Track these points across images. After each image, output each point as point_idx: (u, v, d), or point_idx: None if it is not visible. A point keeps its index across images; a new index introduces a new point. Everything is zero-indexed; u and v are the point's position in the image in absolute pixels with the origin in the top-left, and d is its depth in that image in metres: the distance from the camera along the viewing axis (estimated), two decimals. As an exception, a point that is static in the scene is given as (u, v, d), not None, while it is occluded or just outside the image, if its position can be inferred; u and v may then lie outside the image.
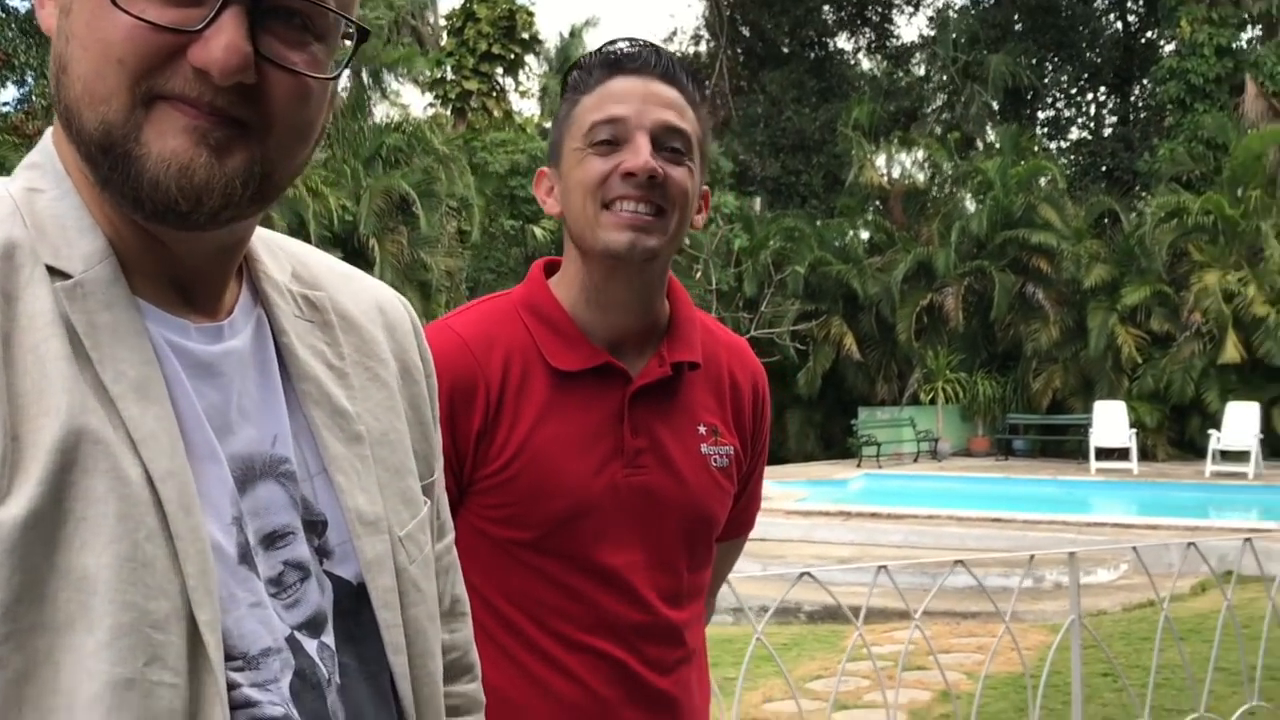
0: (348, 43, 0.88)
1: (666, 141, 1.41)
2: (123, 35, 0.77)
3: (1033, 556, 4.89)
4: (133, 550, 0.75)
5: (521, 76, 25.39)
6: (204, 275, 0.88)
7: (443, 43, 26.35)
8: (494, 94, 24.53)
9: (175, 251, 0.85)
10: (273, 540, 0.86)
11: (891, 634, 7.23)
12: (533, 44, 25.23)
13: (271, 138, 0.81)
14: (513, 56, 24.56)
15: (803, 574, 4.39)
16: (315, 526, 0.90)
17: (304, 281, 0.97)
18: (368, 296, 1.02)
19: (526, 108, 28.69)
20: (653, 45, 1.46)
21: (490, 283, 21.05)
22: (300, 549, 0.88)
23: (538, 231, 20.93)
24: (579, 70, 1.47)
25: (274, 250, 0.97)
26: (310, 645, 0.86)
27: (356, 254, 17.61)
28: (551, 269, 1.54)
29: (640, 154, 1.38)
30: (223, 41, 0.76)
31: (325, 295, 0.97)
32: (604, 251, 1.41)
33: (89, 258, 0.80)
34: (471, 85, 24.00)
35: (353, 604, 0.90)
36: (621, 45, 1.46)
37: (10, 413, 0.74)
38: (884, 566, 4.33)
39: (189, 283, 0.87)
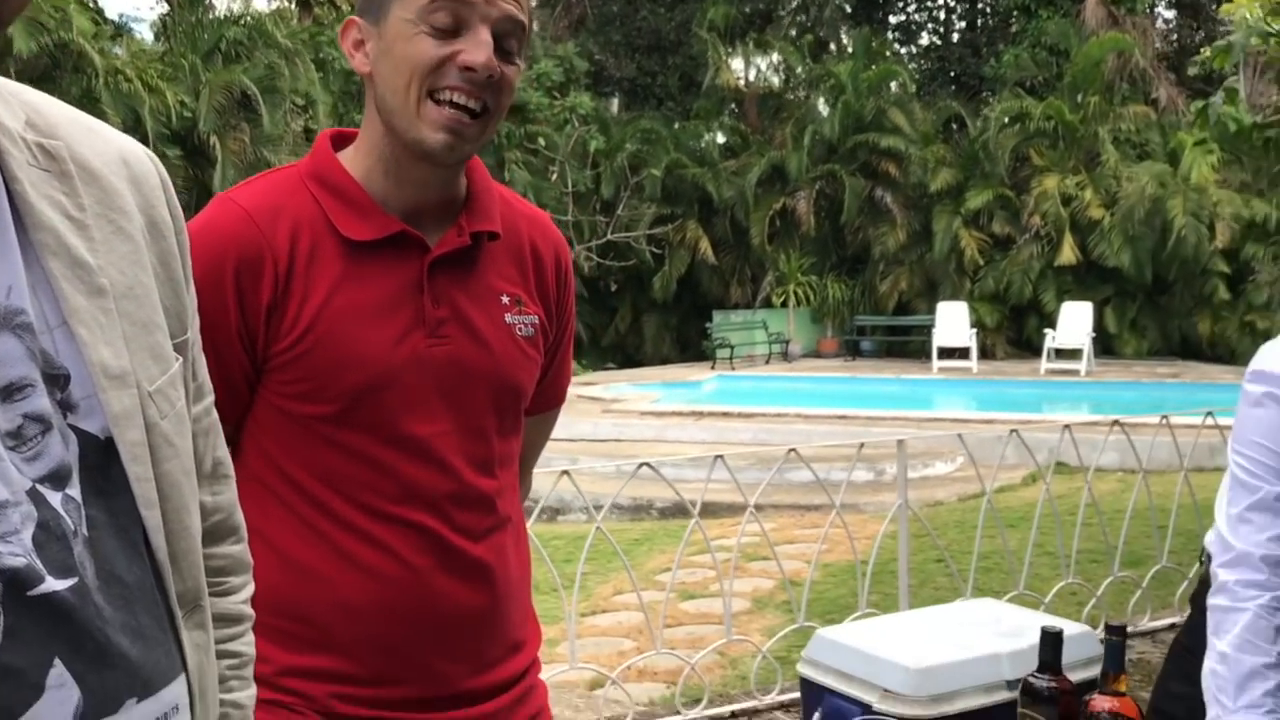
0: None
1: (506, 37, 1.37)
2: None
3: (862, 445, 5.05)
4: None
5: (370, -31, 24.49)
6: None
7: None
8: (340, -13, 23.65)
9: None
10: (9, 393, 0.84)
11: (739, 526, 7.42)
12: (381, -65, 24.33)
13: None
14: (360, -52, 23.67)
15: (641, 464, 4.47)
16: (57, 380, 0.87)
17: (39, 130, 0.92)
18: (112, 148, 0.98)
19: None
20: None
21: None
22: (40, 401, 0.86)
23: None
24: None
25: (5, 97, 0.92)
26: (54, 498, 0.85)
27: (196, 152, 16.95)
28: (339, 140, 1.49)
29: (483, 50, 1.33)
30: None
31: (63, 144, 0.93)
32: (416, 145, 1.38)
33: None
34: (317, -23, 23.09)
35: (100, 458, 0.89)
36: None
37: None
38: (720, 457, 4.43)
39: None
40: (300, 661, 1.37)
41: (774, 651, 4.84)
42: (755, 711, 4.56)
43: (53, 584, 0.83)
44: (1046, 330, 18.72)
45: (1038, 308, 20.44)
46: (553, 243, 1.58)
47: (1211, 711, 1.79)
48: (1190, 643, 2.23)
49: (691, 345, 22.94)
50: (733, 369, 19.52)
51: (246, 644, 1.11)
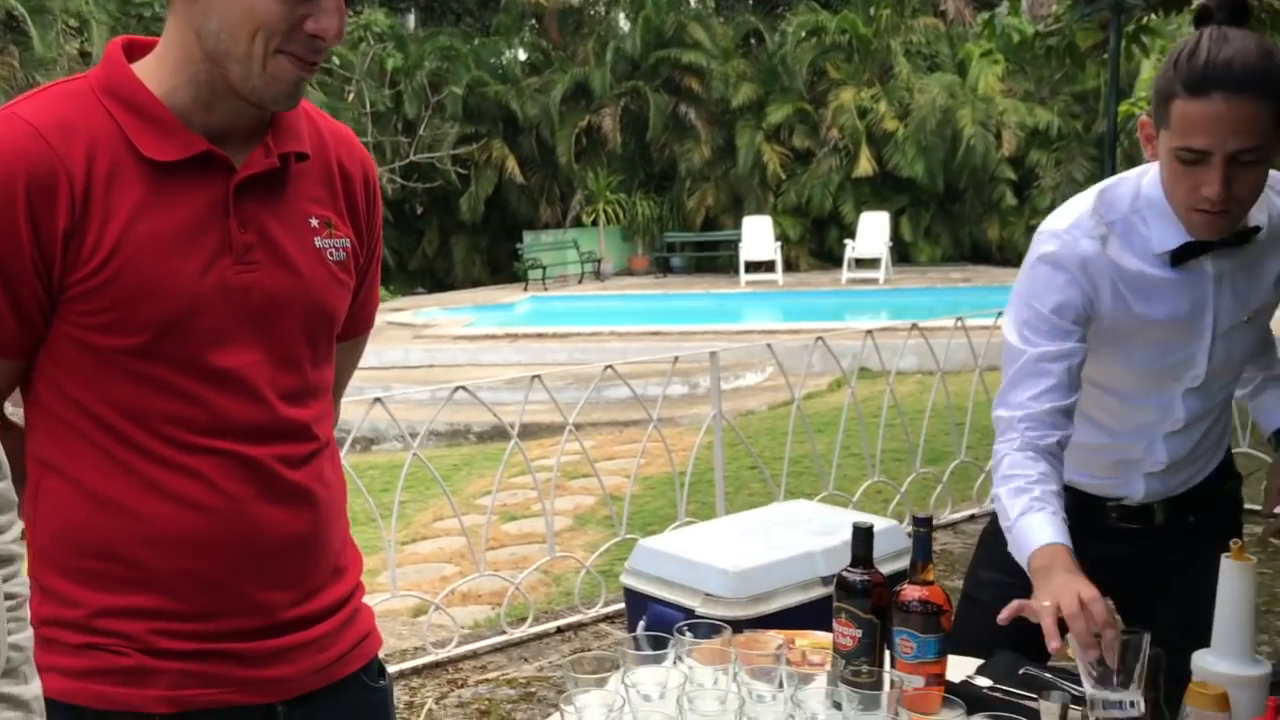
0: None
1: None
2: None
3: (676, 359, 5.11)
4: None
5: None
6: None
7: None
8: (111, -102, 22.16)
9: None
10: None
11: (558, 446, 7.45)
12: None
13: None
14: None
15: (457, 388, 4.42)
16: None
17: None
18: None
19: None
20: None
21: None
22: None
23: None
24: None
25: None
26: None
27: (-39, 78, 15.81)
28: (133, 49, 1.38)
29: (335, 17, 1.29)
30: None
31: None
32: (251, 94, 1.31)
33: None
34: (84, -112, 21.57)
35: None
36: None
37: None
38: (537, 376, 4.42)
39: None
40: (115, 601, 1.31)
41: (597, 566, 4.91)
42: (580, 625, 4.63)
43: None
44: (847, 241, 19.26)
45: (838, 219, 20.99)
46: (359, 160, 1.52)
47: (1006, 537, 1.96)
48: (995, 528, 2.35)
49: (503, 267, 22.73)
50: (545, 290, 19.46)
51: (20, 584, 1.08)
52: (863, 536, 1.82)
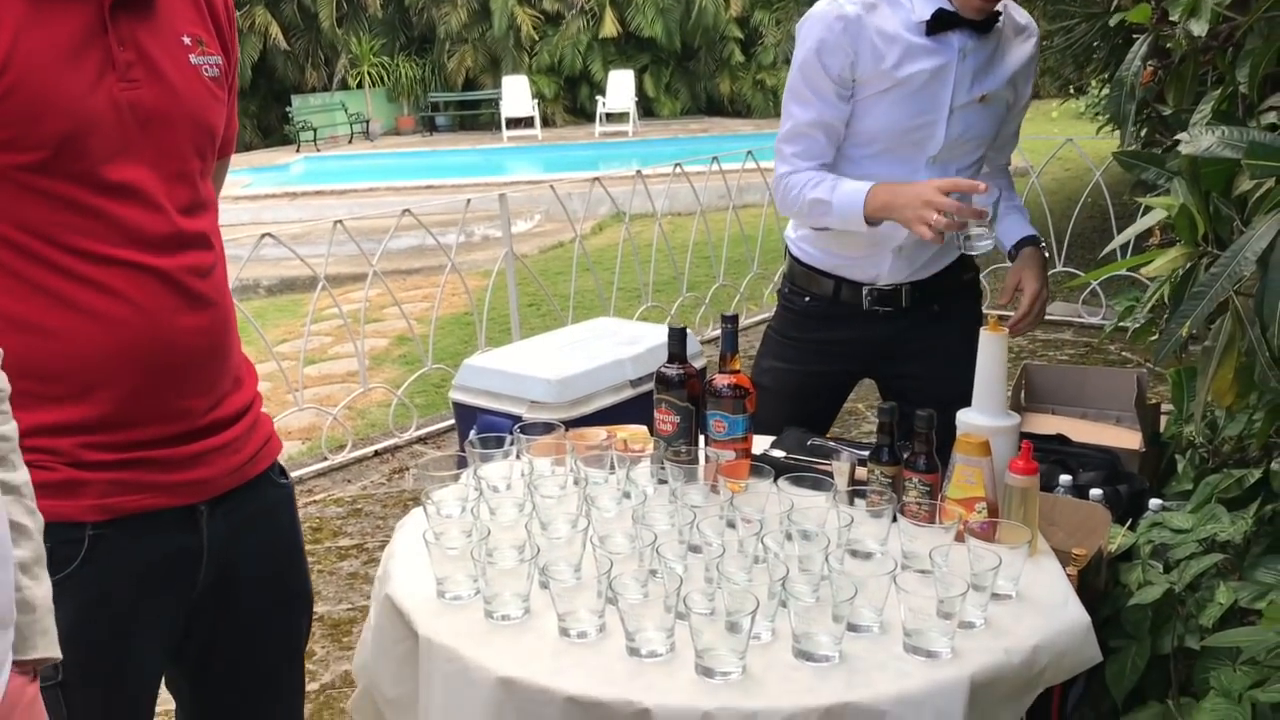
0: None
1: None
2: None
3: (469, 200, 5.03)
4: None
5: None
6: None
7: None
8: None
9: None
10: None
11: (349, 295, 7.26)
12: None
13: None
14: None
15: (264, 235, 4.23)
16: None
17: None
18: None
19: None
20: None
21: None
22: None
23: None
24: None
25: None
26: None
27: None
28: None
29: None
30: None
31: None
32: None
33: None
34: None
35: None
36: None
37: None
38: (340, 221, 4.27)
39: None
40: (42, 419, 1.24)
41: (405, 395, 4.87)
42: (397, 448, 4.61)
43: None
44: (597, 97, 19.14)
45: (588, 77, 20.78)
46: None
47: (831, 221, 2.16)
48: (776, 325, 2.48)
49: (274, 130, 21.48)
50: (318, 150, 18.58)
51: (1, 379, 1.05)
52: (678, 337, 1.88)
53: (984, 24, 2.12)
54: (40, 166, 1.20)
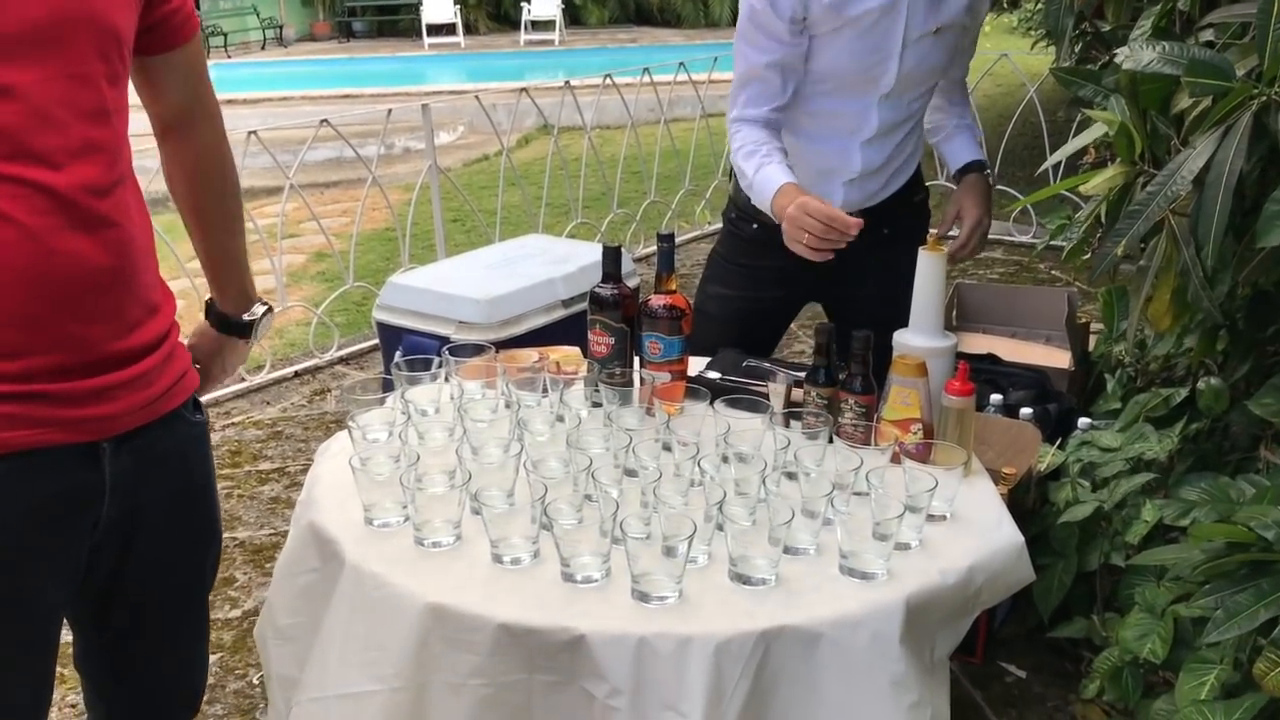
0: None
1: None
2: None
3: (390, 111, 4.91)
4: None
5: None
6: None
7: None
8: None
9: None
10: None
11: (264, 209, 7.07)
12: None
13: None
14: None
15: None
16: None
17: None
18: None
19: None
20: None
21: None
22: None
23: None
24: None
25: None
26: None
27: None
28: None
29: None
30: None
31: None
32: None
33: None
34: None
35: None
36: None
37: None
38: (254, 132, 4.13)
39: None
40: None
41: (325, 314, 4.79)
42: (317, 369, 4.53)
43: None
44: (522, 4, 18.70)
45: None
46: None
47: (751, 196, 2.17)
48: (722, 250, 2.46)
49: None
50: (229, 57, 17.93)
51: None
52: (612, 255, 1.85)
53: None
54: None
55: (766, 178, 2.08)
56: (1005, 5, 10.28)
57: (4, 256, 1.16)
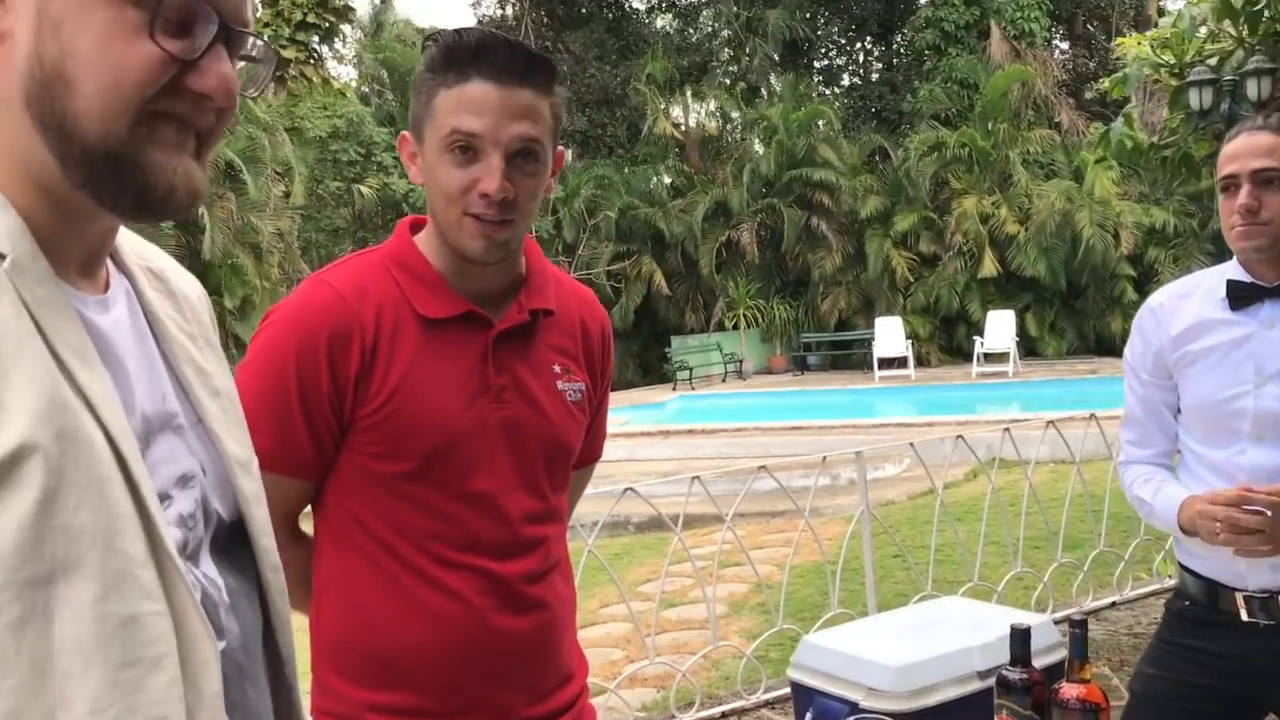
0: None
1: (520, 154, 1.41)
2: (142, 62, 0.80)
3: (825, 458, 5.07)
4: (113, 504, 0.77)
5: (337, 44, 24.53)
6: (98, 253, 0.88)
7: (259, 13, 25.19)
8: (311, 61, 23.57)
9: (85, 227, 0.85)
10: (184, 482, 0.88)
11: (711, 536, 7.42)
12: (345, 12, 24.32)
13: (214, 141, 0.87)
14: (327, 25, 23.61)
15: (626, 489, 4.47)
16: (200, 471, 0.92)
17: (145, 258, 0.97)
18: (182, 273, 1.03)
19: (344, 73, 27.77)
20: (507, 41, 1.41)
21: (322, 242, 20.36)
22: (201, 490, 0.90)
23: (364, 190, 20.33)
24: (437, 51, 1.42)
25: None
26: (196, 571, 0.88)
27: (187, 220, 16.81)
28: (416, 225, 1.54)
29: (494, 177, 1.38)
30: (220, 72, 0.83)
31: (165, 269, 0.98)
32: (460, 251, 1.44)
33: (10, 234, 0.79)
34: (289, 54, 22.99)
35: (227, 536, 0.93)
36: (480, 37, 1.40)
37: None
38: (697, 477, 4.44)
39: (86, 261, 0.87)
40: (377, 698, 1.39)
41: (755, 653, 4.85)
42: (744, 710, 4.56)
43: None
44: (975, 337, 18.92)
45: (965, 317, 20.67)
46: (598, 318, 1.66)
47: (1154, 522, 2.15)
48: (1160, 628, 2.27)
49: (653, 369, 22.95)
50: (693, 389, 19.53)
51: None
52: (1021, 638, 1.79)
53: None
54: (411, 475, 1.40)
55: (1168, 497, 2.03)
56: None
57: (450, 628, 1.37)
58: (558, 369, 1.52)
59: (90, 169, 0.81)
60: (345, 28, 24.55)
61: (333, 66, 24.82)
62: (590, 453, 1.67)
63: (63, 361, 0.77)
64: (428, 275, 1.46)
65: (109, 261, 0.91)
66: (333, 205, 20.53)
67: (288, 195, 18.64)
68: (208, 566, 0.90)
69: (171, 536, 0.82)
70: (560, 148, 1.50)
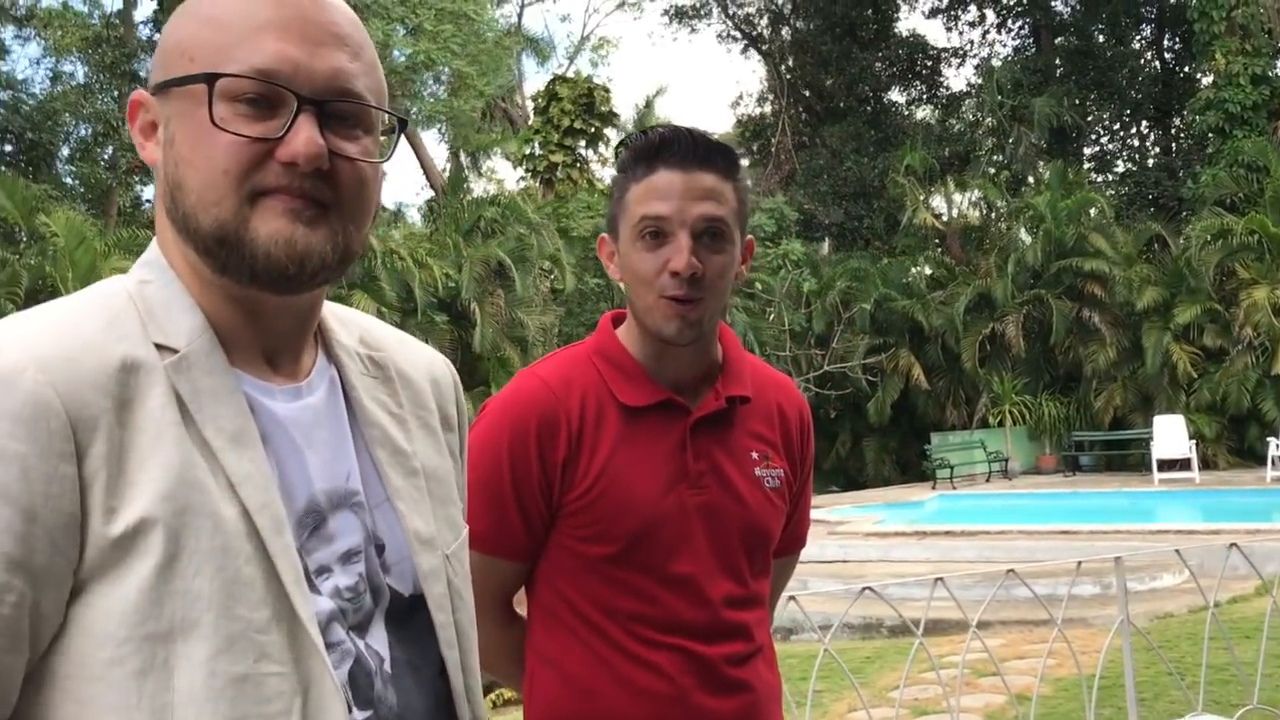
0: (386, 135, 1.02)
1: (706, 232, 1.50)
2: (224, 151, 0.91)
3: (1080, 564, 4.83)
4: (236, 574, 0.87)
5: (601, 147, 25.72)
6: (286, 343, 1.00)
7: (530, 121, 26.83)
8: (577, 164, 24.82)
9: (266, 322, 0.97)
10: (348, 558, 0.97)
11: (970, 643, 7.13)
12: (610, 117, 25.52)
13: (344, 213, 0.95)
14: (593, 130, 24.85)
15: (864, 589, 4.39)
16: (377, 547, 1.00)
17: (369, 345, 1.08)
18: (420, 358, 1.13)
19: (608, 175, 29.03)
20: (689, 131, 1.53)
21: (583, 335, 21.13)
22: (366, 565, 0.99)
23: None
24: (627, 153, 1.56)
25: (345, 321, 1.09)
26: (359, 643, 0.96)
27: (460, 316, 17.90)
28: (618, 319, 1.65)
29: (682, 254, 1.48)
30: (303, 137, 0.91)
31: (387, 356, 1.09)
32: (657, 334, 1.53)
33: (190, 333, 0.93)
34: (557, 158, 24.33)
35: (405, 610, 1.01)
36: (662, 132, 1.53)
37: (123, 464, 0.85)
38: (940, 579, 4.32)
39: (274, 352, 0.99)
40: None
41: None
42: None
43: (356, 715, 0.94)
44: (1269, 439, 17.39)
45: (1258, 416, 19.08)
46: (796, 405, 1.70)
47: None
48: None
49: (911, 466, 22.38)
50: (953, 488, 18.87)
51: None
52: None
53: None
54: (615, 558, 1.49)
55: None
56: None
57: (654, 708, 1.44)
58: (756, 455, 1.57)
59: (211, 255, 0.93)
60: (610, 132, 25.76)
61: (597, 169, 26.03)
62: (793, 541, 1.71)
63: (208, 444, 0.89)
64: (627, 365, 1.55)
65: (320, 351, 1.03)
66: (594, 300, 21.38)
67: (552, 290, 19.56)
68: (377, 638, 0.98)
69: (314, 605, 0.91)
70: (750, 236, 1.59)
